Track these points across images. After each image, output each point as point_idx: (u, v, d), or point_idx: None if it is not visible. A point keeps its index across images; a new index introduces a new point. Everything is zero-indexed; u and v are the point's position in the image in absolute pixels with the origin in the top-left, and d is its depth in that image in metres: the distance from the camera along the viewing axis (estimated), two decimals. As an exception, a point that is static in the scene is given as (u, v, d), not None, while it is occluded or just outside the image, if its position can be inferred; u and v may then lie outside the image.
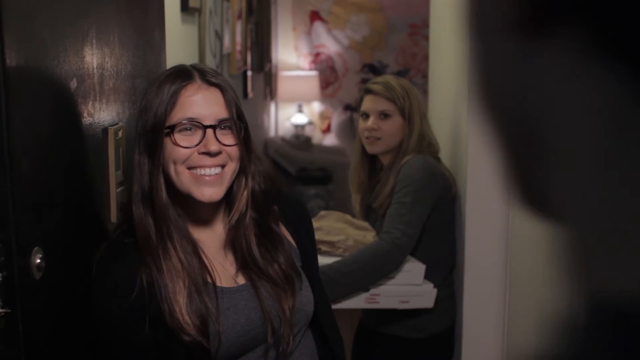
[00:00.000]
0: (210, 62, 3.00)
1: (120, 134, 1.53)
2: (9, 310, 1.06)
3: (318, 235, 2.29)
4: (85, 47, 1.37)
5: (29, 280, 1.12)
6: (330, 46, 7.05)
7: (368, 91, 2.47)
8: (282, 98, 6.82)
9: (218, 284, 1.44)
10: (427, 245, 2.39)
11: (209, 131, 1.41)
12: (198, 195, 1.41)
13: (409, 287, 2.27)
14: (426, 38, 4.55)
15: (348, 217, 2.49)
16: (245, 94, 4.50)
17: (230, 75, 3.70)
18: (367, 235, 2.35)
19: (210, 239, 1.51)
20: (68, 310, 1.30)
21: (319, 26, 7.04)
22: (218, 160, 1.42)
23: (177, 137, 1.40)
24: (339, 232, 2.34)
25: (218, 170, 1.43)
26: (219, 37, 3.25)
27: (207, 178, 1.41)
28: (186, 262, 1.40)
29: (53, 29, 1.22)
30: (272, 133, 6.90)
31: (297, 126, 6.78)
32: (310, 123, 6.93)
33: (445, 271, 2.47)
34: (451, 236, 2.50)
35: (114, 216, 1.49)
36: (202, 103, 1.41)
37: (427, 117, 2.49)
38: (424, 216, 2.32)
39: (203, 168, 1.41)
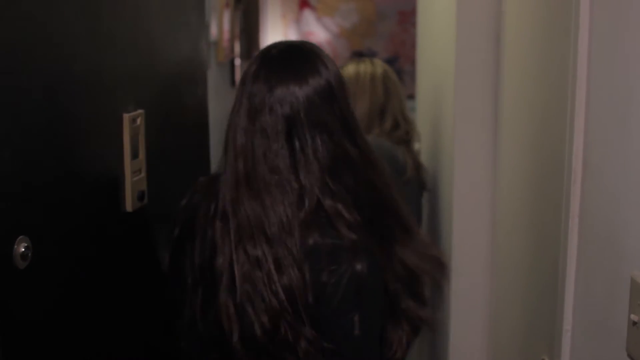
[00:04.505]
0: (197, 50, 2.98)
1: (138, 121, 1.48)
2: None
3: None
4: (96, 24, 1.33)
5: (11, 269, 1.10)
6: (320, 34, 7.03)
7: None
8: (271, 86, 6.79)
9: None
10: None
11: None
12: None
13: None
14: (415, 25, 4.55)
15: None
16: (233, 82, 4.49)
17: (217, 63, 3.68)
18: None
19: None
20: (61, 302, 1.28)
21: (308, 14, 7.02)
22: None
23: None
24: None
25: None
26: (206, 24, 3.23)
27: None
28: None
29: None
30: (261, 121, 6.88)
31: (286, 114, 6.77)
32: (299, 111, 6.92)
33: None
34: None
35: (129, 205, 1.45)
36: None
37: (394, 102, 2.49)
38: None
39: None
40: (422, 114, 2.74)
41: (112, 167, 1.43)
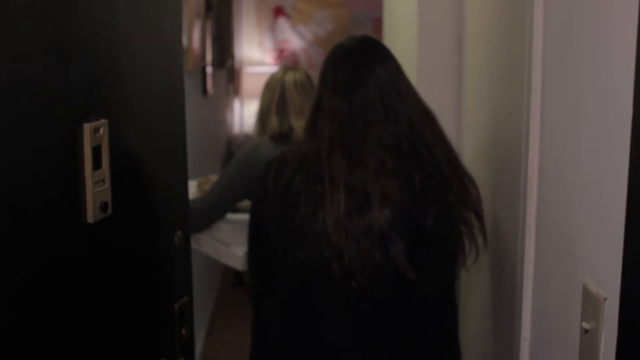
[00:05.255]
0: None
1: (102, 130, 1.43)
2: None
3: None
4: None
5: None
6: (295, 42, 7.03)
7: None
8: (246, 94, 6.77)
9: None
10: None
11: None
12: None
13: (220, 244, 2.56)
14: (387, 33, 4.55)
15: None
16: (205, 91, 4.46)
17: (187, 71, 3.66)
18: None
19: None
20: (12, 322, 1.24)
21: (283, 22, 7.01)
22: None
23: None
24: None
25: None
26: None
27: None
28: None
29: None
30: (237, 130, 6.86)
31: (261, 122, 6.74)
32: (275, 119, 6.90)
33: None
34: None
35: (90, 216, 1.40)
36: None
37: (286, 104, 2.63)
38: (229, 189, 2.53)
39: None
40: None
41: (71, 178, 1.40)
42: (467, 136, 2.08)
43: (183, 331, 1.80)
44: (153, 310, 1.70)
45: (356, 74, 1.76)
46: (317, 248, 1.71)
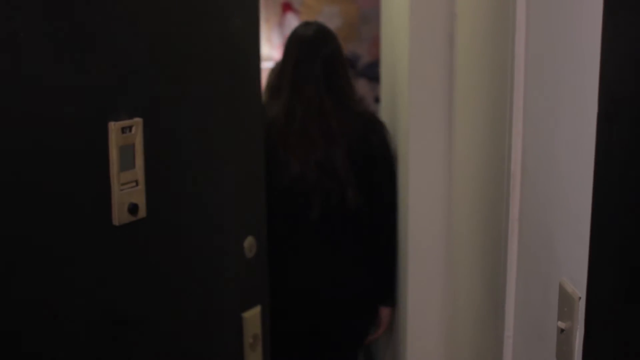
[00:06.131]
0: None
1: (133, 130, 1.36)
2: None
3: None
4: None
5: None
6: (303, 37, 7.02)
7: None
8: (254, 90, 6.78)
9: None
10: None
11: None
12: None
13: None
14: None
15: None
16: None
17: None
18: None
19: None
20: (39, 323, 1.21)
21: (290, 17, 7.00)
22: None
23: None
24: None
25: None
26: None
27: None
28: None
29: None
30: (244, 125, 6.86)
31: (269, 118, 6.74)
32: (282, 115, 6.90)
33: None
34: None
35: (116, 219, 1.35)
36: None
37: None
38: None
39: None
40: (384, 118, 2.73)
41: (95, 178, 1.32)
42: (459, 131, 2.06)
43: (251, 340, 1.72)
44: (209, 320, 1.61)
45: (308, 53, 2.43)
46: (292, 181, 2.35)
